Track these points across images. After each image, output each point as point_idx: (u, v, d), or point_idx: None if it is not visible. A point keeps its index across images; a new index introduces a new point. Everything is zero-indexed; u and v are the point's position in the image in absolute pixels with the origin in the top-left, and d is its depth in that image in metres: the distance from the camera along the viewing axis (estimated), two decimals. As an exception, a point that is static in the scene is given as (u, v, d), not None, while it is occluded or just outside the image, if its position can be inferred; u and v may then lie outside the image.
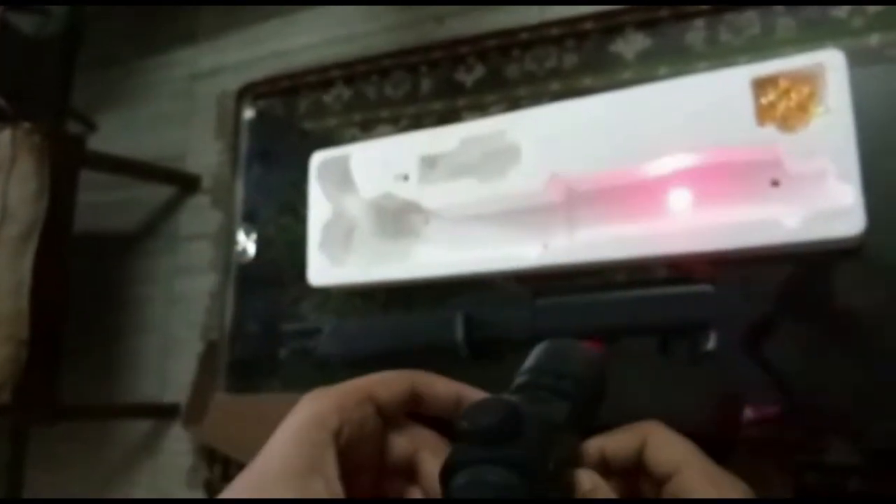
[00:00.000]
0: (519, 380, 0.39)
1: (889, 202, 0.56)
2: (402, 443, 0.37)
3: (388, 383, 0.37)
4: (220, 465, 1.70)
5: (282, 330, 0.78)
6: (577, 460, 0.36)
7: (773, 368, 0.57)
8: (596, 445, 0.37)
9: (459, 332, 0.66)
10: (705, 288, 0.59)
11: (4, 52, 1.79)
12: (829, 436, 0.63)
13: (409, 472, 0.37)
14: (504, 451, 0.31)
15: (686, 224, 0.63)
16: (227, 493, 0.32)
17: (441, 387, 0.38)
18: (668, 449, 0.36)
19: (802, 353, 0.59)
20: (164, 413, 1.84)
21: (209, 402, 1.49)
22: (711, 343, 0.58)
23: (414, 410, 0.38)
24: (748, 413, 0.57)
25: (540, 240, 0.68)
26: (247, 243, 0.88)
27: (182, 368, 1.81)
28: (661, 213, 0.64)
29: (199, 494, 1.73)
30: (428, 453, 0.37)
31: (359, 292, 0.79)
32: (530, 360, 0.40)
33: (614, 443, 0.37)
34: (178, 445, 1.81)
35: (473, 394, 0.39)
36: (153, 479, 1.85)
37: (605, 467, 0.36)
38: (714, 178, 0.62)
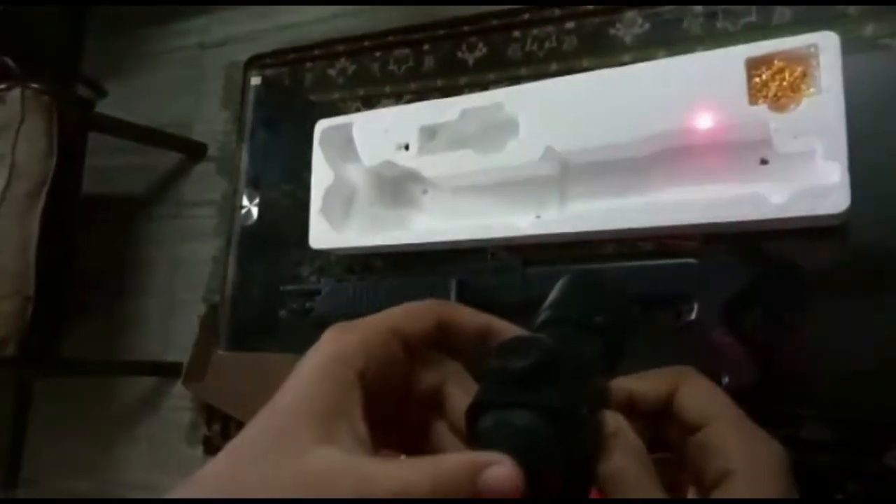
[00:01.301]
0: (544, 315, 0.37)
1: (873, 183, 0.58)
2: (429, 375, 0.35)
3: (414, 316, 0.35)
4: (220, 423, 1.73)
5: (281, 291, 0.80)
6: (605, 400, 0.34)
7: (751, 341, 0.59)
8: (624, 386, 0.35)
9: (453, 297, 0.68)
10: (688, 260, 0.61)
11: (14, 15, 1.80)
12: (802, 409, 0.65)
13: (436, 404, 0.36)
14: (537, 395, 0.29)
15: (675, 199, 0.65)
16: (249, 430, 0.30)
17: (469, 317, 0.36)
18: (700, 397, 0.34)
19: (781, 327, 0.61)
20: (165, 371, 1.86)
21: (210, 362, 1.52)
22: (693, 314, 0.60)
23: (441, 342, 0.36)
24: (726, 384, 0.59)
25: (533, 211, 0.70)
26: (250, 207, 0.90)
27: (184, 329, 1.84)
28: (651, 188, 0.66)
29: (199, 451, 1.77)
30: (455, 386, 0.35)
31: (358, 257, 0.81)
32: (555, 294, 0.38)
33: (644, 385, 0.35)
34: (178, 403, 1.85)
35: (503, 326, 0.36)
36: (153, 436, 1.89)
37: (632, 409, 0.35)
38: (704, 156, 0.64)
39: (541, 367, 0.30)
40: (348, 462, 0.27)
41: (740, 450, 0.32)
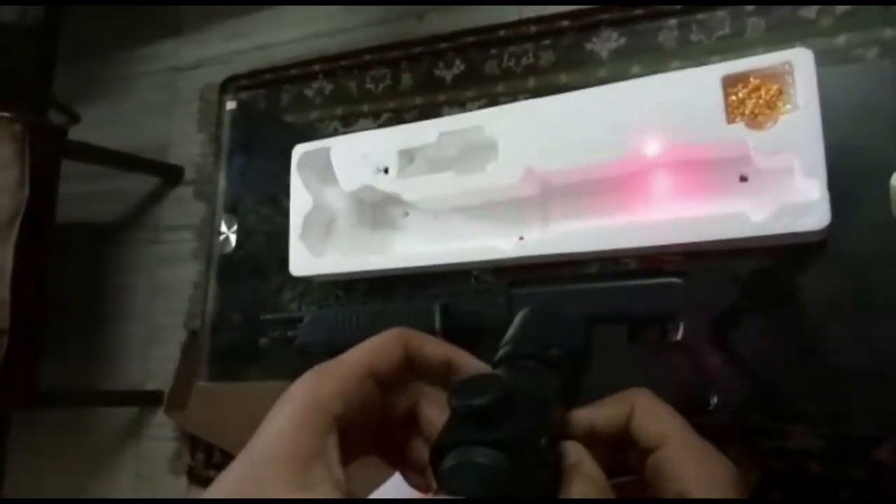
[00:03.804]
0: (503, 350, 0.38)
1: (853, 198, 0.58)
2: (403, 399, 0.38)
3: (384, 352, 0.37)
4: (203, 452, 1.70)
5: (262, 319, 0.78)
6: (564, 431, 0.35)
7: (738, 357, 0.59)
8: (584, 416, 0.36)
9: (437, 321, 0.67)
10: (673, 279, 0.60)
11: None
12: (791, 422, 0.65)
13: (410, 422, 0.38)
14: (495, 432, 0.30)
15: (656, 218, 0.64)
16: (226, 475, 0.31)
17: (431, 350, 0.38)
18: (654, 419, 0.35)
19: (767, 342, 0.61)
20: (146, 400, 1.83)
21: (192, 390, 1.50)
22: (679, 332, 0.60)
23: (409, 367, 0.38)
24: (714, 400, 0.58)
25: (516, 232, 0.70)
26: (229, 234, 0.89)
27: (165, 357, 1.82)
28: (632, 208, 0.66)
29: (183, 481, 1.73)
30: (426, 401, 0.37)
31: (340, 283, 0.80)
32: (514, 329, 0.40)
33: (602, 413, 0.36)
34: (161, 432, 1.82)
35: (464, 358, 0.38)
36: (136, 466, 1.85)
37: (593, 437, 0.36)
38: (684, 174, 0.64)
39: (498, 405, 0.31)
40: None
41: (692, 471, 0.33)
